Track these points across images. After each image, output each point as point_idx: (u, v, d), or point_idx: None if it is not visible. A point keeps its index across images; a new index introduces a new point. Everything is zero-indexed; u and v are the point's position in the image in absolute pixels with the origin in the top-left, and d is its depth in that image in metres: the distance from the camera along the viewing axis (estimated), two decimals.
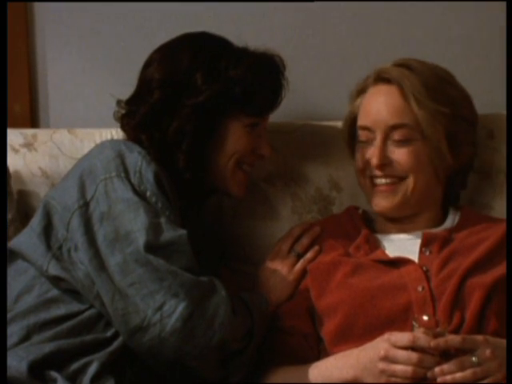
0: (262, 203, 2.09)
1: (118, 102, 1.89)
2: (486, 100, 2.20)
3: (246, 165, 1.89)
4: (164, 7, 2.23)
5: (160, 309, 1.62)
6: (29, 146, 2.07)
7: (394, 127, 1.84)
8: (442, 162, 1.85)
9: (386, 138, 1.85)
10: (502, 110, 2.11)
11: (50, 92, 2.26)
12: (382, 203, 1.87)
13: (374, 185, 1.88)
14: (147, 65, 1.88)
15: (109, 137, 2.06)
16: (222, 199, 2.06)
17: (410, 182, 1.85)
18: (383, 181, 1.86)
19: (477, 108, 1.97)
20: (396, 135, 1.84)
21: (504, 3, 2.14)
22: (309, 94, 2.24)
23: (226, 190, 1.90)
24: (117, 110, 1.89)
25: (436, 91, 1.85)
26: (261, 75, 1.86)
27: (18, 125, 2.17)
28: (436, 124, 1.82)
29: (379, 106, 1.86)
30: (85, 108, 2.25)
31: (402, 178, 1.85)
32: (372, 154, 1.86)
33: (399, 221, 1.91)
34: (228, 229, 2.09)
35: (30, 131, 2.11)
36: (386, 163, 1.85)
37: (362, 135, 1.89)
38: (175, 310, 1.61)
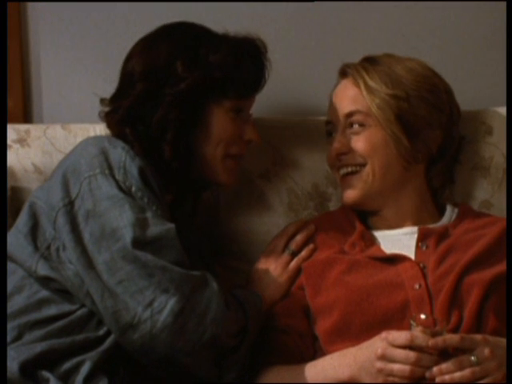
0: (258, 199, 2.08)
1: (102, 101, 1.87)
2: (485, 96, 2.20)
3: (234, 152, 1.87)
4: (159, 5, 2.22)
5: (150, 305, 1.60)
6: (22, 141, 2.06)
7: (349, 115, 1.88)
8: (399, 146, 1.86)
9: (344, 127, 1.89)
10: (501, 106, 2.10)
11: (43, 87, 2.25)
12: (347, 194, 1.90)
13: (340, 177, 1.91)
14: (128, 59, 1.87)
15: (103, 132, 2.04)
16: (218, 196, 2.04)
17: (369, 167, 1.87)
18: (346, 170, 1.89)
19: (476, 104, 1.96)
20: (352, 123, 1.88)
21: (504, 3, 2.15)
22: (306, 90, 2.23)
23: (215, 180, 1.88)
24: (101, 110, 1.87)
25: (391, 76, 1.87)
26: (241, 58, 1.84)
27: (11, 120, 2.14)
28: (386, 107, 1.85)
29: (337, 99, 1.92)
30: (78, 103, 2.23)
31: (362, 166, 1.87)
32: (333, 145, 1.90)
33: (383, 215, 1.91)
34: (223, 225, 2.08)
35: (22, 127, 2.10)
36: (344, 152, 1.89)
37: (328, 130, 1.95)
38: (166, 306, 1.60)
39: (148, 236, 1.65)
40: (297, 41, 2.26)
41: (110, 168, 1.70)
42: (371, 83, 1.86)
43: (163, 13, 2.20)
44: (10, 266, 1.73)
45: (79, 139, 2.04)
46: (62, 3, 2.22)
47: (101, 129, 2.06)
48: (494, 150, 2.08)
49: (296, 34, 2.26)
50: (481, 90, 2.25)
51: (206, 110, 1.83)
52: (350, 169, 1.89)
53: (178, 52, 1.82)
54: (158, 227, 1.66)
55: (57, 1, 2.22)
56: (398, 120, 1.85)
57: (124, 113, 1.81)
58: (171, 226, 1.67)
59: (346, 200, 1.91)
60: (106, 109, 1.86)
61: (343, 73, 1.94)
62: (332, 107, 1.93)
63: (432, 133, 1.89)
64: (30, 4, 2.25)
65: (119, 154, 1.72)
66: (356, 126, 1.88)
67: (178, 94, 1.79)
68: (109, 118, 1.85)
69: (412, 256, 1.81)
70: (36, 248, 1.71)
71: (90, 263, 1.64)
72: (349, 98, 1.89)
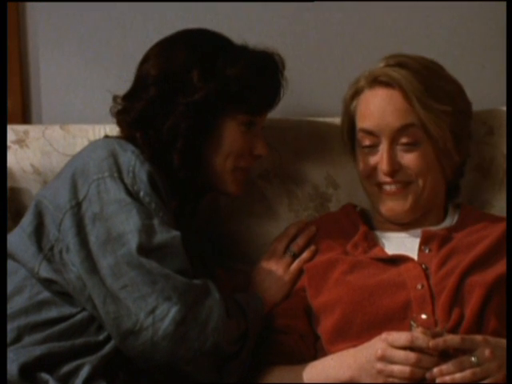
0: (259, 201, 2.08)
1: (115, 98, 1.86)
2: (486, 96, 2.20)
3: (243, 165, 1.86)
4: (158, 5, 2.21)
5: (152, 312, 1.59)
6: (20, 142, 2.05)
7: (401, 129, 1.81)
8: (450, 161, 1.85)
9: (392, 142, 1.82)
10: (501, 106, 2.10)
11: (42, 88, 2.24)
12: (393, 208, 1.85)
13: (381, 190, 1.86)
14: (144, 60, 1.86)
15: (102, 133, 2.04)
16: (219, 197, 2.04)
17: (420, 184, 1.83)
18: (393, 187, 1.84)
19: (476, 104, 1.95)
20: (403, 138, 1.82)
21: (504, 3, 2.14)
22: (306, 90, 2.22)
23: (223, 190, 1.88)
24: (113, 106, 1.86)
25: (435, 89, 1.83)
26: (258, 74, 1.83)
27: (10, 121, 2.13)
28: (442, 124, 1.81)
29: (383, 111, 1.83)
30: (77, 104, 2.22)
31: (410, 183, 1.83)
32: (380, 160, 1.83)
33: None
34: (224, 227, 2.08)
35: (21, 127, 2.09)
36: (395, 169, 1.82)
37: (365, 140, 1.85)
38: (168, 314, 1.59)
39: (153, 243, 1.64)
40: (297, 41, 2.25)
41: (119, 171, 1.69)
42: (423, 98, 1.80)
43: (162, 13, 2.20)
44: (13, 265, 1.73)
45: (78, 140, 2.04)
46: (60, 3, 2.21)
47: (100, 129, 2.06)
48: (494, 150, 2.07)
49: (296, 34, 2.25)
50: (481, 89, 2.24)
51: (218, 122, 1.81)
52: (399, 185, 1.83)
53: (196, 60, 1.80)
54: (163, 234, 1.65)
55: (56, 1, 2.21)
56: (452, 135, 1.82)
57: (136, 115, 1.80)
58: (177, 233, 1.67)
59: (390, 213, 1.86)
60: (118, 106, 1.85)
61: (380, 81, 1.84)
62: (375, 117, 1.83)
63: (467, 141, 1.89)
64: (28, 4, 2.24)
65: (129, 157, 1.71)
66: (407, 142, 1.81)
67: (192, 105, 1.77)
68: (120, 117, 1.84)
69: (415, 258, 1.81)
70: (40, 249, 1.70)
71: (93, 267, 1.64)
72: (400, 111, 1.81)
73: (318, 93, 2.08)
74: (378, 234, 1.90)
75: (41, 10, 2.22)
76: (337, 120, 2.00)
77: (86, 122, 2.10)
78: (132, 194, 1.68)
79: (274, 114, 1.96)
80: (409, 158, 1.82)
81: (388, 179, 1.83)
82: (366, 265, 1.80)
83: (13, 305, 1.69)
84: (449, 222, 1.91)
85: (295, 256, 1.89)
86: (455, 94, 1.87)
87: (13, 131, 2.06)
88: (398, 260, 1.80)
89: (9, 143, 2.04)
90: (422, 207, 1.86)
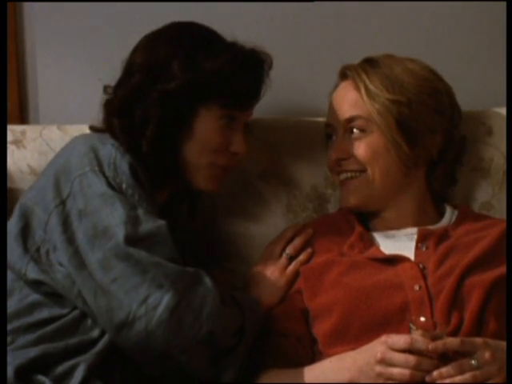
0: (257, 201, 2.07)
1: (105, 88, 1.86)
2: (485, 96, 2.19)
3: (221, 163, 1.84)
4: (156, 5, 2.21)
5: (145, 301, 1.58)
6: (17, 142, 2.05)
7: (350, 120, 1.86)
8: (399, 152, 1.84)
9: (344, 132, 1.87)
10: (501, 106, 2.09)
11: (39, 88, 2.24)
12: (347, 199, 1.89)
13: (340, 181, 1.90)
14: (133, 51, 1.87)
15: None
16: (216, 198, 2.03)
17: (370, 174, 1.85)
18: (346, 175, 1.88)
19: (476, 104, 1.94)
20: (353, 128, 1.86)
21: (504, 3, 2.14)
22: (305, 90, 2.23)
23: (194, 184, 1.84)
24: (104, 97, 1.86)
25: (392, 80, 1.85)
26: (238, 70, 1.81)
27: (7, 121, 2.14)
28: (386, 113, 1.83)
29: (337, 102, 1.90)
30: (75, 104, 2.22)
31: (362, 172, 1.86)
32: (332, 149, 1.89)
33: (383, 217, 1.90)
34: (222, 227, 2.07)
35: (18, 127, 2.09)
36: (344, 157, 1.87)
37: (328, 132, 1.93)
38: (161, 302, 1.58)
39: (140, 233, 1.64)
40: (296, 41, 2.25)
41: (100, 165, 1.69)
42: (372, 87, 1.84)
43: (160, 14, 2.18)
44: None
45: None
46: (58, 3, 2.21)
47: None
48: (493, 150, 2.07)
49: (296, 34, 2.25)
50: (481, 90, 2.24)
51: (192, 113, 1.80)
52: (349, 174, 1.87)
53: (179, 51, 1.80)
54: (149, 224, 1.65)
55: (53, 1, 2.21)
56: (398, 126, 1.83)
57: (118, 103, 1.80)
58: (162, 222, 1.66)
59: (345, 204, 1.90)
60: (107, 97, 1.85)
61: (343, 75, 1.92)
62: (332, 110, 1.91)
63: (433, 137, 1.87)
64: (26, 4, 2.24)
65: (109, 150, 1.71)
66: (356, 132, 1.86)
67: (165, 93, 1.77)
68: (106, 107, 1.84)
69: (411, 257, 1.80)
70: (26, 250, 1.70)
71: (82, 263, 1.63)
72: (349, 102, 1.87)
73: (318, 93, 2.07)
74: (375, 234, 1.89)
75: (38, 10, 2.23)
76: None
77: (84, 122, 2.07)
78: (114, 187, 1.68)
79: (273, 113, 1.96)
80: (356, 147, 1.86)
81: (338, 168, 1.89)
82: (363, 265, 1.80)
83: None
84: (446, 221, 1.90)
85: (291, 258, 1.89)
86: (421, 87, 1.86)
87: (10, 131, 2.05)
88: (394, 260, 1.80)
89: None
90: (377, 199, 1.88)
